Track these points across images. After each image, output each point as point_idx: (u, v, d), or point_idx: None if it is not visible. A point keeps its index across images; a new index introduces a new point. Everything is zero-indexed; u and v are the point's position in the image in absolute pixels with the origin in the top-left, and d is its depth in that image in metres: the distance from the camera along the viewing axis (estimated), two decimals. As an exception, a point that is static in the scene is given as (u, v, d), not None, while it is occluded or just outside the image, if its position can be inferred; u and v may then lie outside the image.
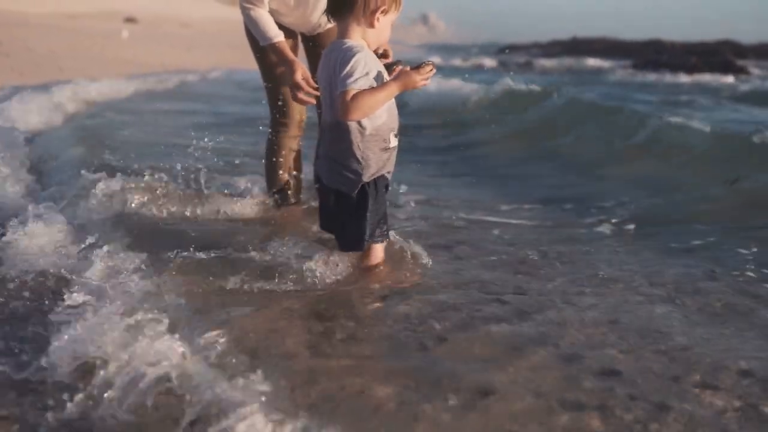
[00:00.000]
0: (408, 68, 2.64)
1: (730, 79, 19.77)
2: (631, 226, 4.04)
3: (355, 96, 2.52)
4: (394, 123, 2.76)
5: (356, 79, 2.53)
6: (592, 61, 30.95)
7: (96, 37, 28.04)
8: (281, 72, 3.36)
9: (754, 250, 3.54)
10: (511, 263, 3.29)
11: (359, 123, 2.64)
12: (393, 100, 2.70)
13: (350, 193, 2.70)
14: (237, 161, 5.16)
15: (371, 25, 2.64)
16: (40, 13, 47.17)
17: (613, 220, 4.15)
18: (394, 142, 2.75)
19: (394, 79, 2.60)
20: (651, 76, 21.54)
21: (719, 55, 26.41)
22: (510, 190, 5.14)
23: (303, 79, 3.18)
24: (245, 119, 8.83)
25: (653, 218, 4.24)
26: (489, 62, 28.72)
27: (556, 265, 3.27)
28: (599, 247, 3.64)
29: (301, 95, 3.19)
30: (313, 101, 3.24)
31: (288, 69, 3.22)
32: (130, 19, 52.82)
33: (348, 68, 2.52)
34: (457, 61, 28.75)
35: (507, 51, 43.14)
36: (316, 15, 3.41)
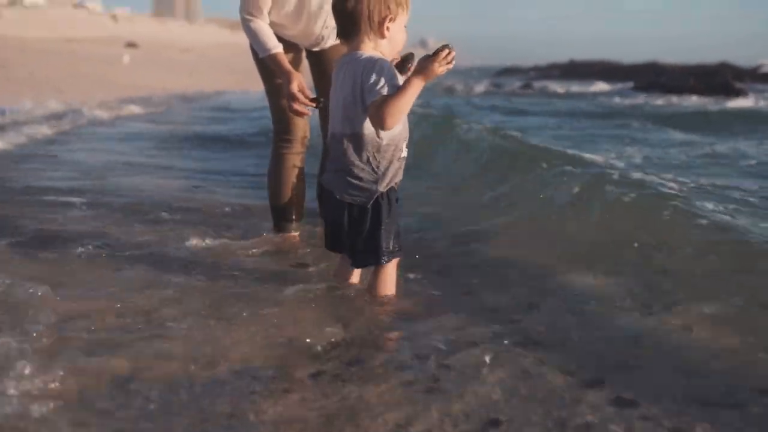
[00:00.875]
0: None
1: (733, 102, 19.82)
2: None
3: (383, 102, 2.48)
4: (407, 132, 2.72)
5: (383, 86, 2.49)
6: (588, 85, 30.87)
7: (97, 62, 28.19)
8: (279, 84, 3.33)
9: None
10: (509, 278, 3.25)
11: (377, 133, 2.59)
12: None
13: (366, 205, 2.64)
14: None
15: (382, 36, 2.60)
16: (40, 37, 47.46)
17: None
18: (405, 151, 2.71)
19: (414, 73, 2.51)
20: (639, 99, 21.58)
21: (718, 77, 26.51)
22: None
23: (299, 90, 3.16)
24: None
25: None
26: (480, 87, 28.55)
27: (558, 276, 3.23)
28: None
29: (296, 106, 3.18)
30: (308, 113, 3.25)
31: (284, 79, 3.21)
32: (131, 44, 53.21)
33: (373, 77, 2.49)
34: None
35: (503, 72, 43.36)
36: (318, 26, 3.40)
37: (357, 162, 2.62)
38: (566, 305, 2.90)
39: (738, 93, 22.76)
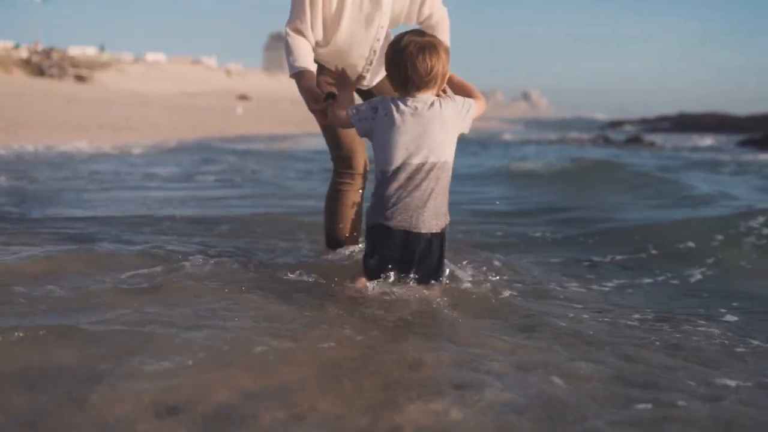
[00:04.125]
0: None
1: None
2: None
3: (478, 102, 2.98)
4: None
5: (467, 100, 2.93)
6: (696, 139, 29.05)
7: (214, 115, 29.77)
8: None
9: None
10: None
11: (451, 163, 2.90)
12: None
13: (442, 232, 2.88)
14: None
15: (444, 90, 2.97)
16: (163, 93, 50.64)
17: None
18: None
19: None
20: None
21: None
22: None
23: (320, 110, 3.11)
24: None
25: None
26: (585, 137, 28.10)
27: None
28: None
29: (319, 118, 3.17)
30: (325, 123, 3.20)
31: (306, 97, 3.15)
32: (243, 97, 55.93)
33: (464, 101, 2.92)
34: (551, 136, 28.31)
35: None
36: (361, 65, 3.39)
37: (444, 190, 2.87)
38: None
39: None
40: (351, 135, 3.39)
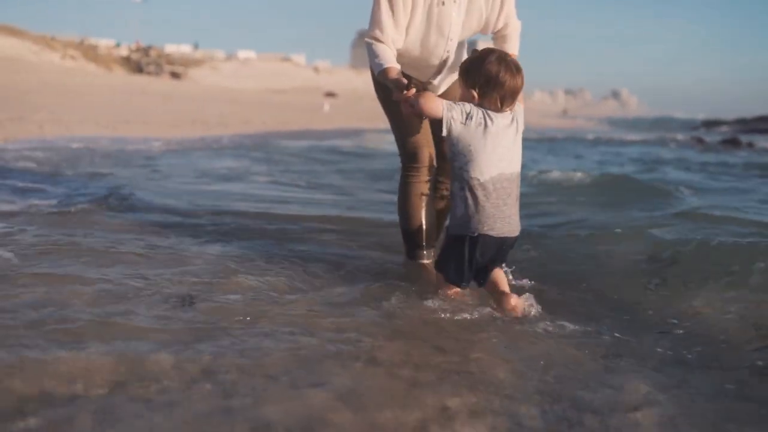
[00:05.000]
0: None
1: None
2: None
3: None
4: None
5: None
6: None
7: (302, 111, 30.36)
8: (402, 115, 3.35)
9: None
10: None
11: None
12: None
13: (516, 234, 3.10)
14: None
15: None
16: (253, 89, 51.91)
17: None
18: None
19: None
20: None
21: None
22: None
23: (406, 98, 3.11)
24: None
25: None
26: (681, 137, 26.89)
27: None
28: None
29: (404, 107, 3.14)
30: (411, 112, 3.15)
31: (394, 86, 3.20)
32: (330, 94, 56.75)
33: (519, 105, 3.10)
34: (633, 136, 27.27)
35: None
36: (431, 72, 3.54)
37: (518, 193, 3.09)
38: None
39: None
40: (417, 131, 3.57)
